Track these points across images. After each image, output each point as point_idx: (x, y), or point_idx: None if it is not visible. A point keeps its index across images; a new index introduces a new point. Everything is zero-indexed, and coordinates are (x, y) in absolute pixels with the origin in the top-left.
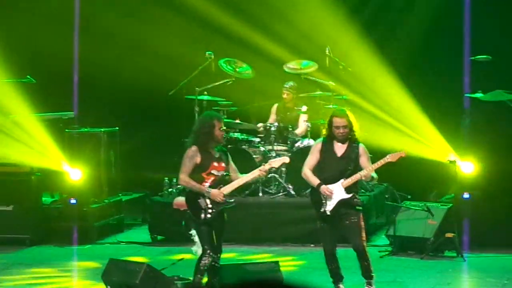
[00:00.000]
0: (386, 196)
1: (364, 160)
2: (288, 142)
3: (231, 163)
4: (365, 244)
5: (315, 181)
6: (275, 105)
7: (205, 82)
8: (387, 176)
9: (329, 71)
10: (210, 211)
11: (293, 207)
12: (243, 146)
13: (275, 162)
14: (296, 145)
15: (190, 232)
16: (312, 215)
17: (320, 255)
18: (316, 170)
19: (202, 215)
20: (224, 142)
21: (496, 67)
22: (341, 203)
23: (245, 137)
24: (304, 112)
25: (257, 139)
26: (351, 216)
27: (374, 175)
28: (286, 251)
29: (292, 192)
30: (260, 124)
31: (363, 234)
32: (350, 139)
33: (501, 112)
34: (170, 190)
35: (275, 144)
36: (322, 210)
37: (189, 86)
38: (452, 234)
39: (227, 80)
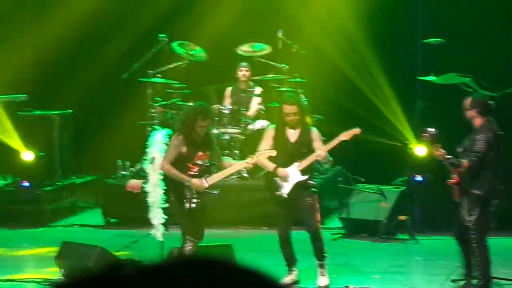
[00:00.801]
0: (340, 179)
1: (317, 144)
2: (241, 125)
3: (216, 149)
4: (319, 225)
5: (270, 165)
6: (229, 88)
7: (158, 64)
8: (341, 159)
9: (282, 54)
10: (195, 201)
11: (247, 189)
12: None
13: (262, 155)
14: (249, 127)
15: (149, 216)
16: (265, 198)
17: (274, 238)
18: (269, 156)
19: (187, 204)
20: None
21: (449, 50)
22: (297, 185)
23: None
24: (258, 95)
25: None
26: (307, 197)
27: (329, 157)
28: (240, 234)
29: (246, 175)
30: (213, 107)
31: (318, 216)
32: (302, 124)
33: (454, 95)
34: (123, 173)
35: (229, 127)
36: (278, 193)
37: (142, 69)
38: (405, 216)
39: (180, 62)
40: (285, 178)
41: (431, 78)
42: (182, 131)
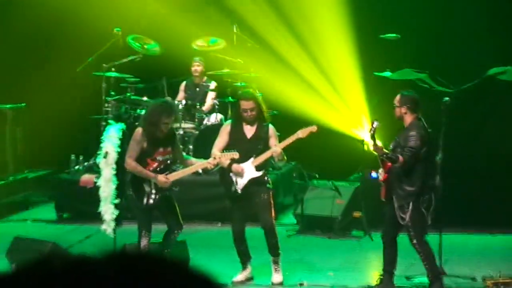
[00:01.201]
0: (294, 174)
1: (273, 141)
2: (196, 120)
3: (178, 145)
4: (273, 221)
5: (226, 161)
6: (184, 83)
7: (113, 58)
8: (296, 154)
9: (237, 49)
10: (153, 196)
11: (200, 185)
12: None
13: (225, 157)
14: (204, 122)
15: (99, 211)
16: (219, 194)
17: (228, 234)
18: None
19: (145, 200)
20: (166, 132)
21: (404, 46)
22: (252, 181)
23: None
24: (213, 90)
25: None
26: (262, 193)
27: (283, 155)
28: (194, 230)
29: (199, 171)
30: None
31: (272, 212)
32: (259, 120)
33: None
34: (76, 167)
35: (183, 121)
36: (232, 189)
37: (97, 63)
38: (359, 213)
39: (135, 56)
40: (240, 174)
41: (386, 74)
42: (146, 128)
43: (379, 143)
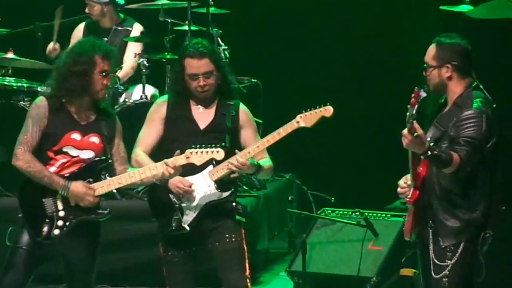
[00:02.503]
0: (290, 197)
1: (248, 132)
2: (107, 95)
3: (120, 143)
4: (249, 284)
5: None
6: (81, 26)
7: None
8: (294, 161)
9: None
10: (60, 222)
11: (115, 217)
12: (21, 103)
13: (198, 156)
14: (121, 100)
15: None
16: (151, 234)
17: None
18: (159, 154)
19: (45, 228)
20: (105, 100)
21: None
22: (209, 209)
23: (26, 84)
24: (137, 38)
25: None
26: (227, 233)
27: (267, 162)
28: None
29: (114, 191)
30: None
31: (246, 268)
32: (221, 96)
33: None
34: None
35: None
36: (173, 223)
37: None
38: (412, 270)
39: None
40: (187, 195)
41: (463, 7)
42: (55, 89)
43: (420, 130)
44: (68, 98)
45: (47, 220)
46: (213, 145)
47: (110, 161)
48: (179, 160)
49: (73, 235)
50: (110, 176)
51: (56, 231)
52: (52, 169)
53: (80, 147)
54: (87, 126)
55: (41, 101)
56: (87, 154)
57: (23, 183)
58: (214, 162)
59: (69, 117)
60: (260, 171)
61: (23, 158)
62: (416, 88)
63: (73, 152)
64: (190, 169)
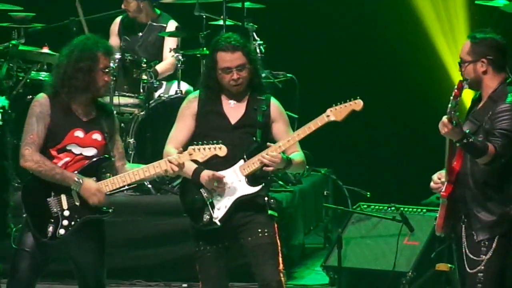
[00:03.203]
0: (325, 192)
1: (280, 126)
2: (141, 90)
3: (118, 139)
4: (283, 279)
5: (190, 166)
6: (117, 20)
7: None
8: (329, 156)
9: None
10: (65, 222)
11: (145, 212)
12: None
13: (200, 152)
14: (156, 95)
15: None
16: (184, 229)
17: None
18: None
19: (50, 228)
20: (105, 95)
21: None
22: (241, 203)
23: None
24: (172, 34)
25: None
26: (259, 227)
27: (298, 155)
28: None
29: (149, 186)
30: None
31: (280, 262)
32: (252, 90)
33: None
34: None
35: (117, 92)
36: (205, 219)
37: None
38: (447, 265)
39: None
40: (218, 190)
41: (499, 1)
42: (57, 86)
43: (457, 118)
44: (70, 95)
45: (52, 220)
46: (215, 142)
47: (113, 159)
48: (182, 157)
49: (78, 233)
50: (111, 174)
51: (62, 231)
52: None
53: (83, 145)
54: (89, 123)
55: (42, 98)
56: (90, 152)
57: (26, 183)
58: (245, 157)
59: (71, 114)
60: (291, 165)
61: (31, 159)
62: (459, 80)
63: (76, 150)
64: (221, 164)
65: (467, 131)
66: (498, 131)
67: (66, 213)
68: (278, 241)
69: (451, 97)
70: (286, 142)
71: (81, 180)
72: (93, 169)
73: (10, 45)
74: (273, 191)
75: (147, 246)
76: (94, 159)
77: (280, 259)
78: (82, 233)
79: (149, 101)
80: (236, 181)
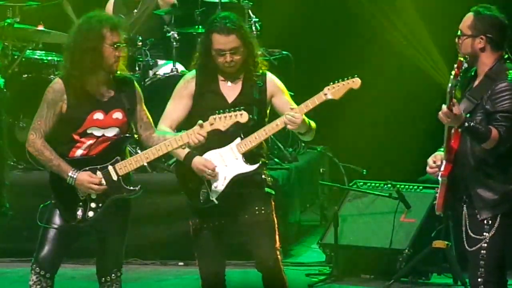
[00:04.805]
0: (321, 170)
1: (280, 99)
2: (137, 68)
3: (142, 109)
4: (279, 257)
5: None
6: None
7: None
8: (324, 133)
9: None
10: (93, 204)
11: (145, 191)
12: (52, 76)
13: (222, 121)
14: (151, 73)
15: None
16: (181, 208)
17: (195, 281)
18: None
19: (79, 212)
20: (117, 70)
21: None
22: (238, 181)
23: (56, 57)
24: (168, 11)
25: None
26: (256, 205)
27: (308, 123)
28: (133, 274)
29: (145, 164)
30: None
31: (277, 240)
32: (247, 69)
33: None
34: None
35: None
36: (202, 197)
37: None
38: (444, 242)
39: None
40: (213, 169)
41: None
42: (68, 69)
43: (458, 106)
44: (83, 77)
45: (80, 204)
46: (237, 108)
47: (136, 136)
48: (205, 127)
49: (105, 213)
50: (140, 147)
51: (91, 213)
52: (79, 152)
53: (104, 126)
54: (108, 102)
55: (57, 83)
56: (112, 131)
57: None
58: (242, 135)
59: (89, 96)
60: (310, 131)
61: (33, 145)
62: (459, 58)
63: (97, 132)
64: (218, 142)
65: (468, 115)
66: (501, 115)
67: (93, 195)
68: (275, 218)
69: (451, 76)
70: (299, 110)
71: (74, 175)
72: (115, 149)
73: (5, 24)
74: (269, 168)
75: (142, 224)
76: (115, 139)
77: (277, 237)
78: (110, 211)
79: (144, 79)
80: (233, 159)
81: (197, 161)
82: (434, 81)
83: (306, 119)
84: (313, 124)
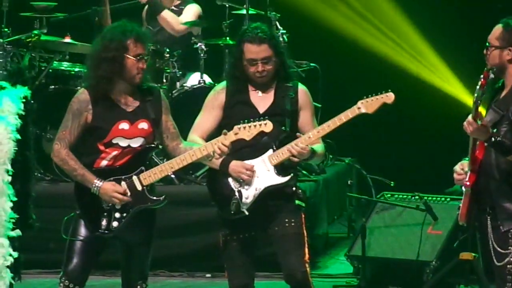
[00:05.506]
0: (349, 181)
1: (306, 115)
2: (164, 80)
3: (168, 119)
4: (308, 269)
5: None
6: (146, 8)
7: None
8: (352, 145)
9: None
10: (118, 214)
11: (173, 203)
12: (78, 88)
13: (246, 130)
14: (179, 84)
15: None
16: (209, 220)
17: None
18: None
19: (103, 222)
20: (141, 83)
21: None
22: (269, 193)
23: (83, 69)
24: (195, 23)
25: None
26: (286, 217)
27: (320, 147)
28: (161, 286)
29: (172, 176)
30: None
31: (306, 253)
32: (279, 79)
33: None
34: None
35: None
36: (232, 208)
37: None
38: (471, 254)
39: None
40: (246, 180)
41: None
42: (92, 80)
43: (484, 117)
44: (104, 86)
45: (105, 214)
46: (261, 118)
47: (160, 146)
48: (229, 137)
49: (130, 223)
50: (167, 157)
51: (115, 223)
52: (104, 162)
53: (130, 136)
54: (134, 112)
55: (82, 93)
56: (137, 142)
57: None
58: (274, 147)
59: (114, 106)
60: (314, 157)
61: (58, 155)
62: (485, 69)
63: (123, 142)
64: (250, 154)
65: (493, 130)
66: None
67: (118, 205)
68: (305, 231)
69: (477, 87)
70: (316, 133)
71: (99, 185)
72: (140, 160)
73: (32, 35)
74: (297, 180)
75: (170, 236)
76: (139, 149)
77: (306, 249)
78: (134, 222)
79: (172, 91)
80: (265, 171)
81: (234, 164)
82: (460, 94)
83: (319, 146)
84: (320, 151)
